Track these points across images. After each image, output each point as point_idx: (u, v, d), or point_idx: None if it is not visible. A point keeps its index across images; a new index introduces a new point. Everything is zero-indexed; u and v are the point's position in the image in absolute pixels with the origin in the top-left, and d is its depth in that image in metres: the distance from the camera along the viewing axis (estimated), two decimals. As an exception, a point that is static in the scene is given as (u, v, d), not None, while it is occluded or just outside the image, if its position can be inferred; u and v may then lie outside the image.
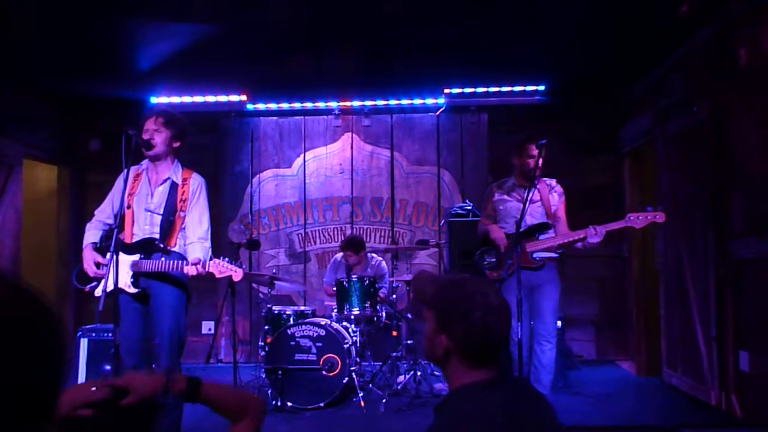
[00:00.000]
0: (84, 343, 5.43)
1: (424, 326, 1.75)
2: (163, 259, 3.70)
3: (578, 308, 6.91)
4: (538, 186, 4.57)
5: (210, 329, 7.18)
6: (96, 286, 3.74)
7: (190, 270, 3.59)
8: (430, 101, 7.21)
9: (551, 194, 4.65)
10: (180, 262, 3.66)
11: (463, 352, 1.64)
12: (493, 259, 4.59)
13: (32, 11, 4.63)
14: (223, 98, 7.12)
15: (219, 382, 1.67)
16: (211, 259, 3.66)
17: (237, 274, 3.67)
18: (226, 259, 3.67)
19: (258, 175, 7.43)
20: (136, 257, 3.72)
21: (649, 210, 4.28)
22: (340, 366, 5.07)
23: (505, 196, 4.70)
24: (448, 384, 1.72)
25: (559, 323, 5.50)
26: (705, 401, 4.88)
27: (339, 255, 6.47)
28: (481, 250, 4.67)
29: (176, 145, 3.88)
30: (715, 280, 4.74)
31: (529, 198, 4.32)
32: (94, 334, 5.43)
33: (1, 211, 6.05)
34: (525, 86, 6.87)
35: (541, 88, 6.85)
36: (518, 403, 1.63)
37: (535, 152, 4.49)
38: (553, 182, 4.73)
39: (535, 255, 4.46)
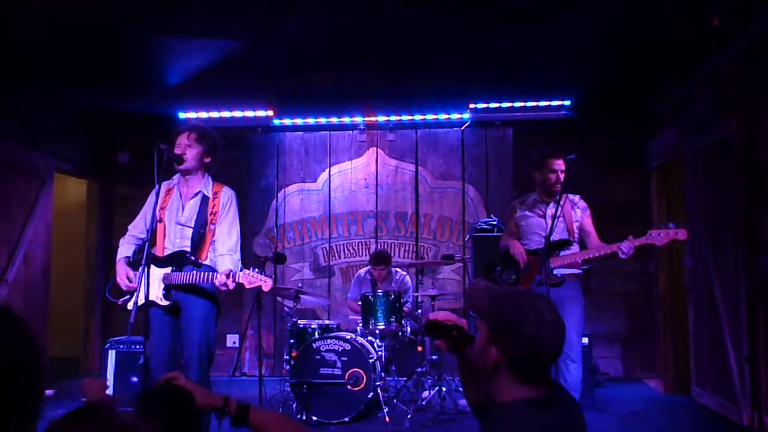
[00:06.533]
0: (112, 354, 5.48)
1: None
2: (194, 271, 3.74)
3: (605, 325, 6.84)
4: (561, 202, 4.54)
5: (235, 342, 7.23)
6: (129, 300, 3.80)
7: (221, 280, 3.61)
8: (455, 116, 7.22)
9: (574, 210, 4.63)
10: (210, 273, 3.69)
11: (513, 366, 1.62)
12: (513, 276, 4.57)
13: (63, 28, 4.73)
14: (249, 113, 7.19)
15: (264, 409, 1.70)
16: (240, 270, 3.69)
17: (267, 284, 3.69)
18: (256, 269, 3.69)
19: (283, 190, 7.48)
20: (167, 270, 3.76)
21: (672, 227, 4.25)
22: (365, 381, 5.07)
23: (527, 212, 4.69)
24: (495, 396, 1.69)
25: (585, 340, 5.45)
26: (736, 421, 4.79)
27: (363, 270, 6.48)
28: (501, 266, 4.69)
29: (207, 160, 3.94)
30: (746, 297, 4.66)
31: (557, 213, 4.29)
32: (122, 346, 5.48)
33: (33, 223, 6.15)
34: (550, 101, 6.84)
35: (567, 102, 6.81)
36: (567, 425, 1.62)
37: (557, 167, 4.54)
38: (576, 198, 4.71)
39: (555, 271, 4.42)
